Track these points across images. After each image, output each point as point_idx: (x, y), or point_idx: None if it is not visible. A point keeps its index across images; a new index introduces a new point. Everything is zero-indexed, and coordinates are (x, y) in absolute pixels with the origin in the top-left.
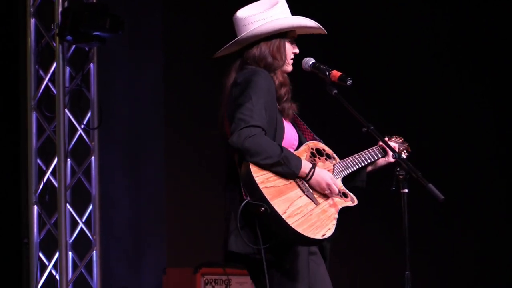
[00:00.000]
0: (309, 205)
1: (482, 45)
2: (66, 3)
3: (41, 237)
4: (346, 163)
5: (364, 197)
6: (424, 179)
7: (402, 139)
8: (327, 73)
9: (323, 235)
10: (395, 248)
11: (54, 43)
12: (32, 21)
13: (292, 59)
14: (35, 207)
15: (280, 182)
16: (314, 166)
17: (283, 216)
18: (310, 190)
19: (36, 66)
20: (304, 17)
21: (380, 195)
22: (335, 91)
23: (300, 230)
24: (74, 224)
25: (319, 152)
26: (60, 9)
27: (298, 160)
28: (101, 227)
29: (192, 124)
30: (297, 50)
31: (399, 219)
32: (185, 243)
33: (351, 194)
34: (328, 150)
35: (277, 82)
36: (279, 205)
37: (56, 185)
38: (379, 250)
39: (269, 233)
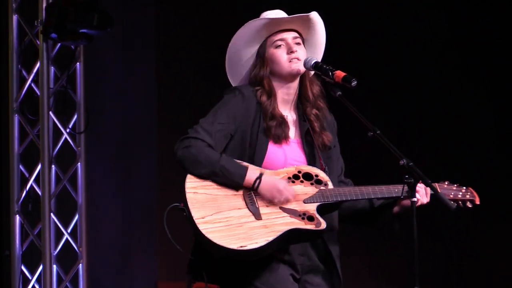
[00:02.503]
0: (245, 217)
1: (486, 48)
2: None
3: (23, 249)
4: (337, 191)
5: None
6: (435, 188)
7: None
8: (330, 73)
9: (240, 247)
10: (404, 261)
11: (37, 41)
12: (15, 17)
13: (291, 59)
14: (17, 217)
15: (220, 191)
16: (261, 174)
17: (197, 221)
18: (257, 204)
19: (19, 66)
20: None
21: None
22: (339, 92)
23: (210, 236)
24: (59, 235)
25: (307, 176)
26: (44, 5)
27: (242, 169)
28: (88, 238)
29: (186, 129)
30: (291, 49)
31: (408, 229)
32: (177, 255)
33: (320, 219)
34: (322, 177)
35: (263, 98)
36: (198, 211)
37: (39, 193)
38: (386, 262)
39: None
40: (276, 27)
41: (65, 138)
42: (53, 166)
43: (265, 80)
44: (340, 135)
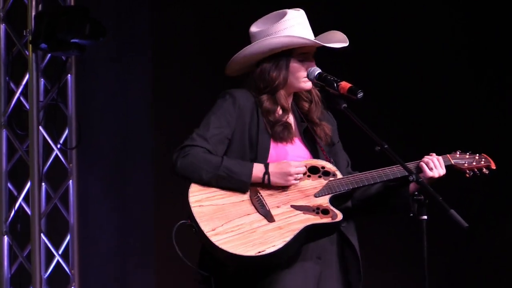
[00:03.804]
0: (257, 222)
1: (504, 57)
2: (40, 7)
3: (12, 272)
4: (345, 180)
5: (379, 224)
6: (446, 204)
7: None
8: (335, 84)
9: (259, 252)
10: (414, 282)
11: (26, 51)
12: (2, 26)
13: (306, 77)
14: (6, 238)
15: (226, 200)
16: (267, 166)
17: (208, 234)
18: (267, 207)
19: (7, 78)
20: (300, 36)
21: (397, 222)
22: (344, 105)
23: (225, 247)
24: (50, 256)
25: (314, 170)
26: (33, 13)
27: (247, 166)
28: (80, 260)
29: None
30: (312, 67)
31: (417, 248)
32: (175, 277)
33: (335, 210)
34: (329, 168)
35: (267, 104)
36: (208, 223)
37: (29, 212)
38: (395, 284)
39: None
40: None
41: (56, 154)
42: (43, 183)
43: (280, 90)
44: (345, 147)
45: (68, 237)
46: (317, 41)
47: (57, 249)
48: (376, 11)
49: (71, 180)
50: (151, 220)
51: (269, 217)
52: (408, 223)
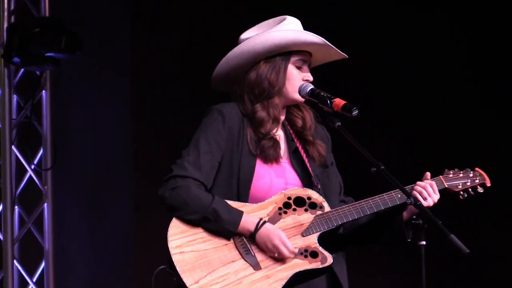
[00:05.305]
0: (243, 271)
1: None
2: (13, 18)
3: None
4: (335, 213)
5: (375, 248)
6: (446, 229)
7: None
8: (328, 101)
9: None
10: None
11: None
12: None
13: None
14: None
15: (208, 244)
16: (262, 222)
17: None
18: (253, 252)
19: None
20: (307, 32)
21: (394, 248)
22: (338, 123)
23: None
24: (23, 284)
25: (299, 202)
26: (5, 25)
27: (237, 214)
28: None
29: (166, 164)
30: (308, 77)
31: (415, 275)
32: None
33: (325, 252)
34: (316, 198)
35: (262, 114)
36: (190, 275)
37: (1, 237)
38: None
39: None
40: (305, 46)
41: (30, 176)
42: (16, 207)
43: (276, 97)
44: (339, 168)
45: (43, 264)
46: (326, 41)
47: (31, 277)
48: (374, 20)
49: (46, 203)
50: (131, 244)
51: (255, 265)
52: (405, 248)
